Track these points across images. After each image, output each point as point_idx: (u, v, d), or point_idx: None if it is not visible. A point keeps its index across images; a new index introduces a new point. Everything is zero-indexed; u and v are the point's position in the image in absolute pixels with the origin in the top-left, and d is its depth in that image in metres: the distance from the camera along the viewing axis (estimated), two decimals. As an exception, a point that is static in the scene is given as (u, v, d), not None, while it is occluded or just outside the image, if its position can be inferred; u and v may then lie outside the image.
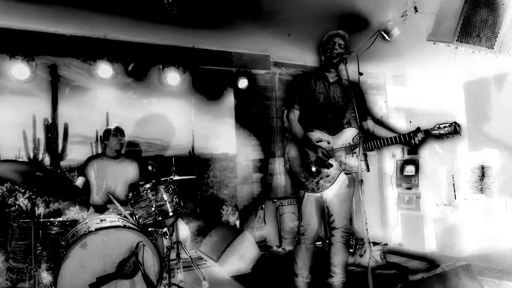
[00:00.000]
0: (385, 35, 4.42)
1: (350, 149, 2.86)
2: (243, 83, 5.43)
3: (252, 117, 5.75)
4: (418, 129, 2.73)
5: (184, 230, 4.86)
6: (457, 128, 2.66)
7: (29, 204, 4.16)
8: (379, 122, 3.14)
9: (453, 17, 2.94)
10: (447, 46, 2.99)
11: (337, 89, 3.05)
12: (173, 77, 4.93)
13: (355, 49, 3.11)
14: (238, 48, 5.32)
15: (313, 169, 2.84)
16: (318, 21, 4.03)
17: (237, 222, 5.41)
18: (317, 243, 3.15)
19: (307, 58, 5.56)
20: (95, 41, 4.53)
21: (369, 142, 2.82)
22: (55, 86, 4.52)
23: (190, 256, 3.78)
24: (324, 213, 3.01)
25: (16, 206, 4.18)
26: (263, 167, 5.81)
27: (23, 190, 4.22)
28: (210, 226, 5.03)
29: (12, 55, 4.12)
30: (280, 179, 5.84)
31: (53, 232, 3.30)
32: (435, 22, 3.04)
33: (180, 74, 4.98)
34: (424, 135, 2.70)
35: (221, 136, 5.45)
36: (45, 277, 3.15)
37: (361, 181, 2.67)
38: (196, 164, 5.21)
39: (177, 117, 5.18)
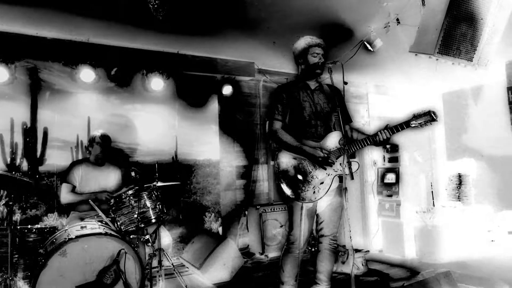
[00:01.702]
0: (368, 46, 4.51)
1: (339, 152, 2.89)
2: (227, 89, 5.43)
3: (236, 123, 5.75)
4: (386, 126, 2.84)
5: (166, 237, 4.79)
6: (433, 115, 2.74)
7: (5, 210, 4.03)
8: (356, 129, 3.20)
9: (434, 29, 3.02)
10: (429, 57, 3.07)
11: (320, 95, 3.09)
12: (156, 83, 4.89)
13: (338, 59, 3.18)
14: (223, 55, 5.33)
15: (309, 175, 2.84)
16: (302, 30, 4.09)
17: (220, 229, 5.37)
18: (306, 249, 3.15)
19: (291, 66, 5.60)
20: (77, 44, 4.45)
21: (350, 145, 2.89)
22: (35, 89, 4.40)
23: (172, 264, 3.72)
24: (314, 221, 3.02)
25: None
26: (246, 173, 5.80)
27: (-1, 196, 4.10)
28: (192, 233, 4.98)
29: (-11, 57, 4.00)
30: (264, 185, 5.84)
31: (31, 239, 3.21)
32: (417, 34, 3.12)
33: (164, 80, 4.94)
34: (405, 127, 2.78)
35: (204, 142, 5.42)
36: (21, 286, 3.05)
37: (345, 189, 2.69)
38: (179, 170, 5.16)
39: (161, 123, 5.13)
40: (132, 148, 4.91)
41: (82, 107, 4.64)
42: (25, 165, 4.26)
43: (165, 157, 5.09)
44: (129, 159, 4.84)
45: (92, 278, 2.92)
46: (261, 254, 4.88)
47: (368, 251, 4.39)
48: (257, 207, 5.09)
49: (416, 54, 3.23)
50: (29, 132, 4.32)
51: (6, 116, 4.22)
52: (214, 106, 5.54)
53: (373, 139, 2.86)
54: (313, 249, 3.15)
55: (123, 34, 4.46)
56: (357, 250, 4.21)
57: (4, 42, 4.09)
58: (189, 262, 4.37)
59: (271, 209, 5.08)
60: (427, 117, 2.75)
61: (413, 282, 2.94)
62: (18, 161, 4.24)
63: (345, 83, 2.86)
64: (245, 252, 5.02)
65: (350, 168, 2.70)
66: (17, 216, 3.99)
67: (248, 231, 5.20)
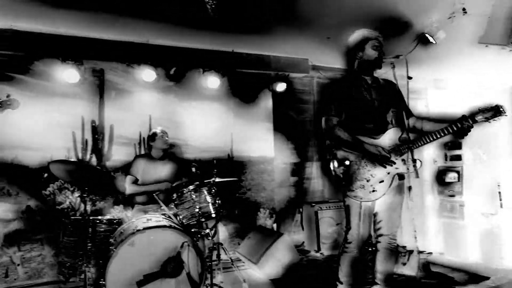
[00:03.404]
0: (429, 38, 4.31)
1: (399, 149, 2.80)
2: (281, 86, 5.45)
3: (289, 120, 5.76)
4: (463, 116, 2.61)
5: (222, 231, 4.92)
6: (501, 109, 2.55)
7: (80, 201, 4.38)
8: (423, 117, 3.03)
9: (507, 19, 2.83)
10: (501, 48, 2.88)
11: (377, 90, 2.99)
12: (213, 81, 5.02)
13: (395, 53, 3.07)
14: (277, 52, 5.35)
15: (368, 173, 2.78)
16: (357, 24, 4.00)
17: (274, 226, 5.41)
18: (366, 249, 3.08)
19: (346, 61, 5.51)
20: (139, 46, 4.68)
21: (419, 139, 2.74)
22: (102, 89, 4.70)
23: (230, 258, 3.82)
24: (372, 220, 2.95)
25: (67, 203, 4.39)
26: (299, 170, 5.79)
27: (72, 188, 4.43)
28: (247, 229, 5.07)
29: (63, 60, 4.32)
30: (317, 183, 5.80)
31: (102, 229, 3.42)
32: (488, 25, 2.94)
33: (220, 78, 5.06)
34: (471, 122, 2.58)
35: (259, 139, 5.48)
36: (94, 272, 3.27)
37: (410, 187, 2.60)
38: (234, 166, 5.27)
39: (216, 120, 5.26)
40: (188, 145, 5.09)
41: (143, 105, 4.88)
42: (94, 160, 4.57)
43: (221, 153, 5.21)
44: (185, 156, 5.02)
45: (157, 268, 3.07)
46: (317, 251, 4.85)
47: (431, 252, 4.21)
48: (312, 204, 5.06)
49: (486, 46, 3.05)
50: (97, 130, 4.63)
51: (77, 115, 4.55)
52: (267, 103, 5.58)
53: (456, 126, 2.62)
54: (371, 249, 3.07)
55: (181, 35, 4.62)
56: (419, 252, 4.05)
57: (74, 46, 4.39)
58: (246, 257, 4.45)
59: (326, 207, 5.03)
60: (494, 111, 2.57)
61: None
62: (88, 156, 4.56)
63: (409, 78, 2.77)
64: (300, 249, 5.01)
65: (415, 165, 2.60)
66: (88, 208, 4.29)
67: (302, 228, 5.19)
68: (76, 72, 4.37)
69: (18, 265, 4.18)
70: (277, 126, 5.62)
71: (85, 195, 3.14)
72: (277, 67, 5.42)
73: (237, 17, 4.20)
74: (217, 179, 3.67)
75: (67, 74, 4.34)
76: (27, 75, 4.35)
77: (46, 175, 4.31)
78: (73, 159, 4.42)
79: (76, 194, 4.42)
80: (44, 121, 4.36)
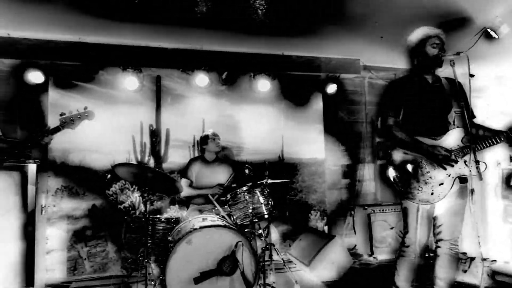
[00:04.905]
0: (491, 33, 4.08)
1: (461, 151, 2.68)
2: (331, 88, 5.41)
3: (340, 122, 5.70)
4: None
5: (273, 233, 4.96)
6: None
7: (140, 201, 4.65)
8: (480, 125, 2.90)
9: None
10: None
11: (438, 90, 2.88)
12: (263, 84, 5.09)
13: (454, 49, 2.94)
14: (327, 53, 5.31)
15: (427, 175, 2.69)
16: (412, 22, 3.87)
17: (326, 228, 5.37)
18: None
19: (399, 61, 5.35)
20: (193, 52, 4.86)
21: (484, 140, 2.63)
22: (159, 95, 4.95)
23: (282, 259, 3.85)
24: (431, 224, 2.84)
25: (129, 202, 4.68)
26: (351, 172, 5.70)
27: (132, 188, 4.71)
28: (297, 230, 5.08)
29: (124, 68, 4.61)
30: (370, 185, 5.67)
31: (160, 227, 3.60)
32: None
33: (270, 81, 5.12)
34: None
35: (309, 141, 5.48)
36: (154, 268, 3.45)
37: (472, 190, 2.49)
38: (285, 168, 5.30)
39: (267, 123, 5.33)
40: (240, 147, 5.20)
41: (197, 109, 5.08)
42: (151, 163, 4.83)
43: (272, 155, 5.27)
44: (237, 158, 5.14)
45: (213, 266, 3.18)
46: (370, 255, 4.75)
47: (495, 260, 3.95)
48: (365, 207, 4.95)
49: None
50: (155, 133, 4.88)
51: (137, 119, 4.84)
52: (318, 105, 5.56)
53: None
54: (429, 254, 2.95)
55: (232, 40, 4.74)
56: (483, 259, 3.83)
57: (134, 55, 4.67)
58: (297, 259, 4.46)
59: (380, 210, 4.90)
60: None
61: None
62: (146, 159, 4.82)
63: (471, 75, 2.64)
64: (352, 252, 4.93)
65: (478, 167, 2.48)
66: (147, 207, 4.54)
67: (355, 232, 5.10)
68: (136, 80, 4.65)
69: (85, 259, 4.51)
70: (328, 128, 5.58)
71: (145, 195, 3.32)
72: (327, 68, 5.38)
73: (287, 19, 4.24)
74: (269, 181, 3.73)
75: (128, 82, 4.63)
76: (93, 83, 4.70)
77: (109, 176, 4.62)
78: (133, 161, 4.70)
79: (136, 193, 4.70)
80: (108, 126, 4.69)
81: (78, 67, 4.61)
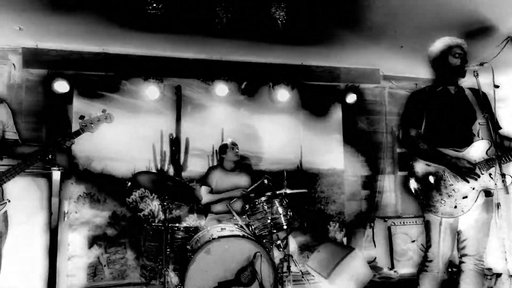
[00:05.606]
0: (517, 42, 4.00)
1: (486, 164, 2.61)
2: (351, 98, 5.37)
3: (360, 132, 5.64)
4: None
5: (291, 243, 4.91)
6: None
7: (159, 209, 4.70)
8: (507, 136, 2.83)
9: None
10: None
11: (461, 101, 2.83)
12: (282, 94, 5.10)
13: (477, 59, 2.89)
14: (346, 63, 5.29)
15: (450, 188, 2.63)
16: (433, 31, 3.82)
17: (345, 239, 5.29)
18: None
19: (420, 70, 5.28)
20: (213, 62, 4.93)
21: (506, 154, 2.56)
22: (179, 104, 5.02)
23: (300, 270, 3.81)
24: (455, 239, 2.77)
25: (148, 210, 4.74)
26: (370, 183, 5.62)
27: (151, 196, 4.76)
28: (316, 242, 5.03)
29: (145, 78, 4.70)
30: (390, 197, 5.57)
31: (179, 236, 3.62)
32: None
33: (289, 91, 5.12)
34: None
35: (328, 152, 5.44)
36: (172, 276, 3.46)
37: (498, 204, 2.41)
38: (304, 178, 5.27)
39: (286, 133, 5.32)
40: (259, 157, 5.20)
41: (216, 119, 5.12)
42: (171, 171, 4.88)
43: (290, 165, 5.25)
44: (255, 168, 5.13)
45: (231, 276, 3.17)
46: (390, 269, 4.64)
47: (522, 277, 3.81)
48: (385, 219, 4.86)
49: None
50: (174, 142, 4.94)
51: (157, 128, 4.91)
52: (337, 115, 5.53)
53: None
54: (452, 269, 2.87)
55: (251, 50, 4.78)
56: (510, 276, 3.69)
57: (155, 65, 4.76)
58: (315, 270, 4.40)
59: (400, 222, 4.80)
60: None
61: None
62: (166, 167, 4.87)
63: (496, 86, 2.58)
64: (372, 265, 4.83)
65: (504, 181, 2.41)
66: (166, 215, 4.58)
67: (374, 244, 5.00)
68: (157, 89, 4.73)
69: (105, 266, 4.57)
70: (347, 138, 5.53)
71: (165, 203, 3.35)
72: (347, 78, 5.36)
73: (306, 29, 4.25)
74: (288, 191, 3.71)
75: (149, 91, 4.71)
76: (116, 93, 4.81)
77: (129, 184, 4.69)
78: (153, 169, 4.76)
79: (156, 202, 4.75)
80: (129, 134, 4.77)
81: (102, 77, 4.73)
